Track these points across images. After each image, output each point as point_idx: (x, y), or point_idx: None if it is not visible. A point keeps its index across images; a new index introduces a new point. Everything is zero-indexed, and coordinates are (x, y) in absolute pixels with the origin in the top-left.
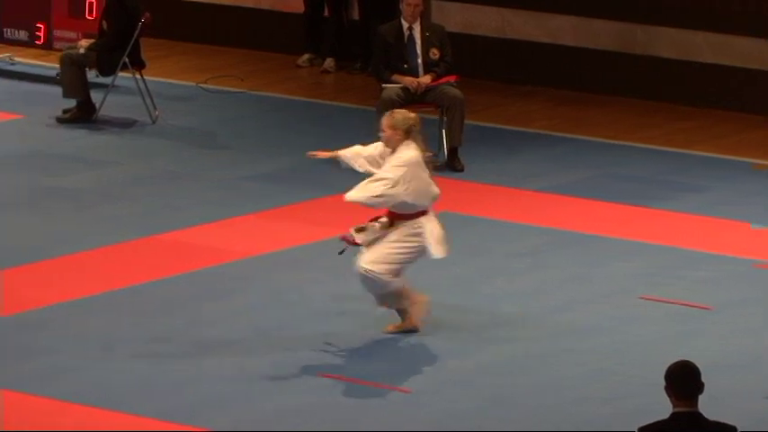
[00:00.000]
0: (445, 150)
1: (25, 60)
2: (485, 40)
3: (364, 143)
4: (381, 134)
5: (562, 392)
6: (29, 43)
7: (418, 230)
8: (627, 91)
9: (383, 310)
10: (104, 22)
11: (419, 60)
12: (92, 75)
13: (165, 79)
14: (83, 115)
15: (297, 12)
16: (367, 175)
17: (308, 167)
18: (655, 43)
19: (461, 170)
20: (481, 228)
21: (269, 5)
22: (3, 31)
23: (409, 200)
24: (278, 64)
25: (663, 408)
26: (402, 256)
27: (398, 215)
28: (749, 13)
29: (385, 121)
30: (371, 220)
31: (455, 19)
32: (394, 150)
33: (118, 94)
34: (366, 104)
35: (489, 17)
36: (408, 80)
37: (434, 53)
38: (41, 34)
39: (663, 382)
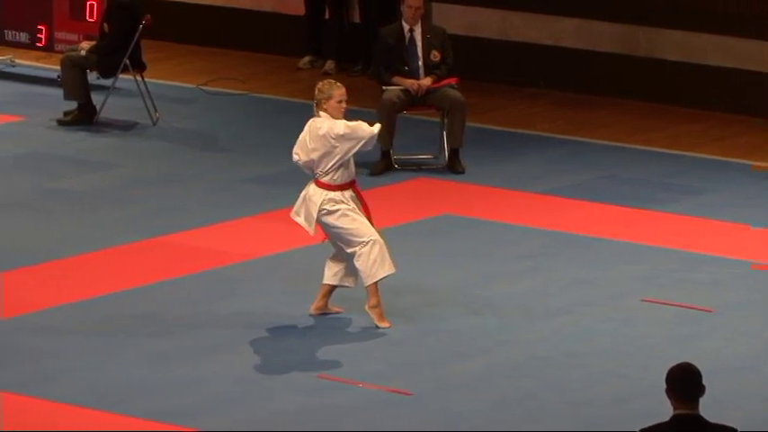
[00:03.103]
0: (446, 152)
1: (26, 62)
2: (487, 43)
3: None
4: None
5: (565, 395)
6: (30, 45)
7: None
8: (629, 93)
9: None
10: (105, 25)
11: (420, 62)
12: (92, 77)
13: (165, 81)
14: (83, 117)
15: (297, 14)
16: None
17: None
18: (657, 46)
19: (462, 172)
20: (483, 230)
21: (270, 7)
22: (4, 33)
23: None
24: (279, 66)
25: (666, 410)
26: None
27: None
28: (752, 15)
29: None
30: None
31: (456, 21)
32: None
33: (118, 97)
34: (367, 107)
35: (491, 19)
36: (409, 82)
37: (435, 55)
38: (42, 36)
39: (665, 385)
